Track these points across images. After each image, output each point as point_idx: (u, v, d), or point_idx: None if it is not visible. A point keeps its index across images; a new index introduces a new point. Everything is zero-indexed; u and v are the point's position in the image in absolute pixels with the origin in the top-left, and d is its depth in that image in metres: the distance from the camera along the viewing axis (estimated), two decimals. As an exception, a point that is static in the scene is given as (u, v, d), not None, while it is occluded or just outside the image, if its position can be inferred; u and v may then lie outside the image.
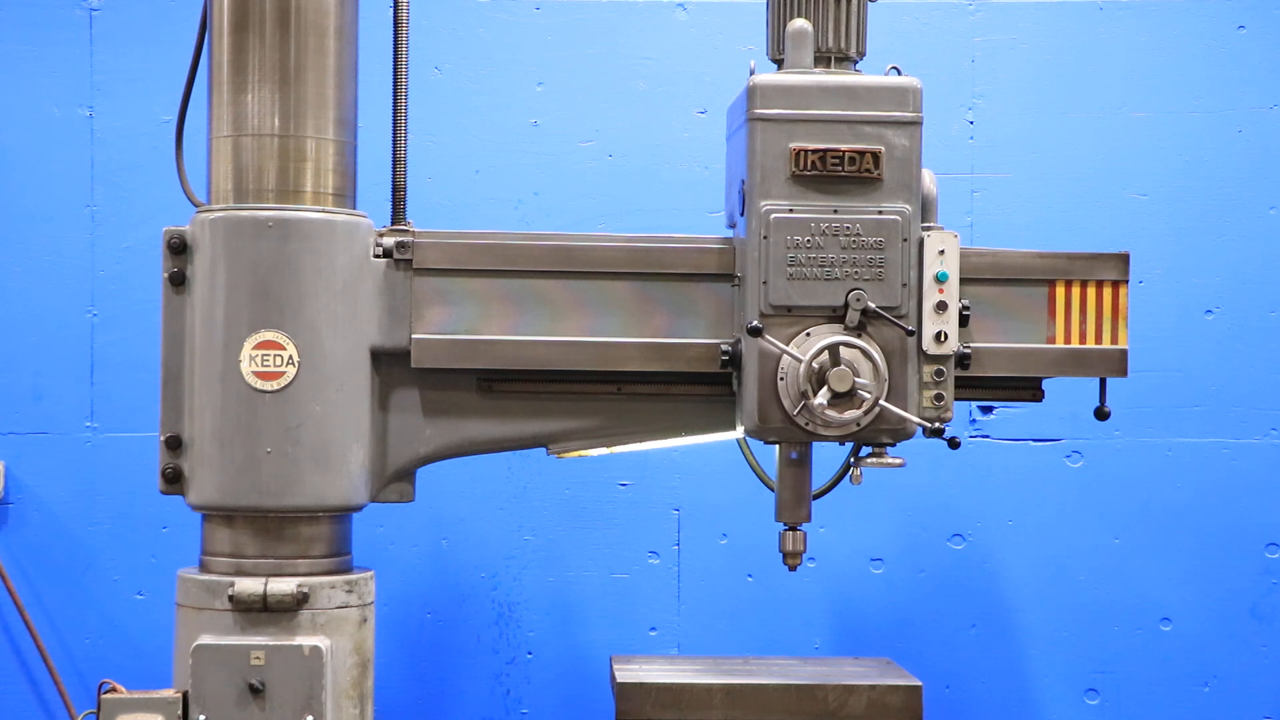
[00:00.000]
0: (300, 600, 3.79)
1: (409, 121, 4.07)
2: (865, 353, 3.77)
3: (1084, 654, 5.32)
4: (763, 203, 3.82)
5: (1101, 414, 4.03)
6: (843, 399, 3.76)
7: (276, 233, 3.82)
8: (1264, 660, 5.31)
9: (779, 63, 3.97)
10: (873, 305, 3.80)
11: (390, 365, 3.95)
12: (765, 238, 3.81)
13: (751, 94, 3.83)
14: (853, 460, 4.04)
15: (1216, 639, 5.32)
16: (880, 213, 3.83)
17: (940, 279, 3.85)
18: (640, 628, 5.28)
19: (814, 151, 3.81)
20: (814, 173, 3.82)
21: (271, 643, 3.77)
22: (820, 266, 3.82)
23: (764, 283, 3.81)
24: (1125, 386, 4.17)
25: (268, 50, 3.86)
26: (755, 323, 3.78)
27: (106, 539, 5.24)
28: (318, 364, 3.83)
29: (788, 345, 3.80)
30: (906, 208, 3.83)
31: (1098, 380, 4.02)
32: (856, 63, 3.98)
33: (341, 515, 3.95)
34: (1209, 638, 5.32)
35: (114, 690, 3.82)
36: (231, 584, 3.79)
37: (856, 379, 3.75)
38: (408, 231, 3.95)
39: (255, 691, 3.74)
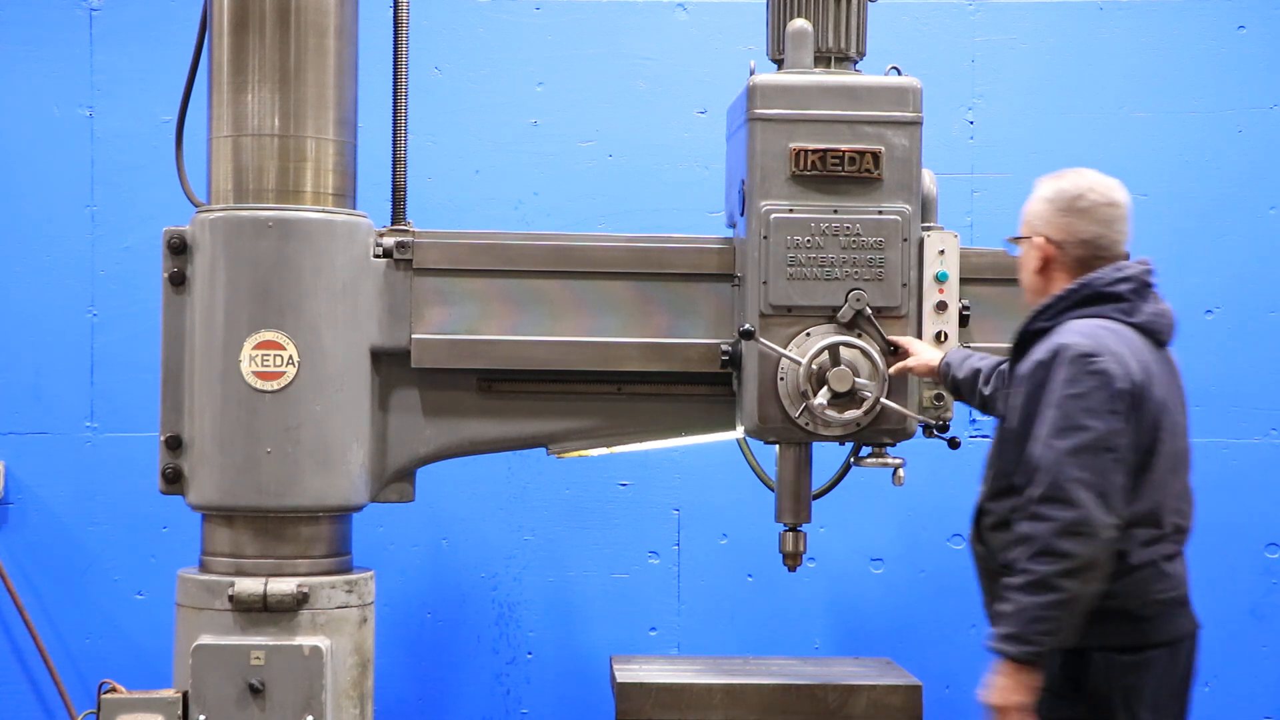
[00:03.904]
0: (300, 600, 3.79)
1: (409, 121, 4.08)
2: (865, 353, 3.77)
3: (1084, 654, 5.31)
4: (763, 203, 3.82)
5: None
6: (843, 399, 3.76)
7: (276, 233, 3.82)
8: (1264, 660, 5.31)
9: (779, 63, 3.97)
10: (868, 310, 3.80)
11: (390, 365, 3.95)
12: (765, 238, 3.81)
13: (751, 94, 3.83)
14: (853, 460, 4.05)
15: (1216, 639, 5.29)
16: (880, 213, 3.83)
17: (940, 279, 3.85)
18: (640, 628, 5.28)
19: (814, 151, 3.82)
20: (814, 173, 3.82)
21: (271, 643, 3.77)
22: (820, 266, 3.82)
23: (764, 283, 3.81)
24: (1125, 386, 4.16)
25: (268, 50, 3.86)
26: (747, 325, 3.77)
27: (106, 539, 5.24)
28: (318, 364, 3.83)
29: (788, 345, 3.80)
30: (906, 208, 3.83)
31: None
32: (856, 63, 3.99)
33: (341, 515, 3.95)
34: (1209, 638, 5.27)
35: (114, 690, 3.82)
36: (231, 584, 3.79)
37: (856, 379, 3.75)
38: (408, 231, 3.95)
39: (255, 691, 3.74)
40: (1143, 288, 3.41)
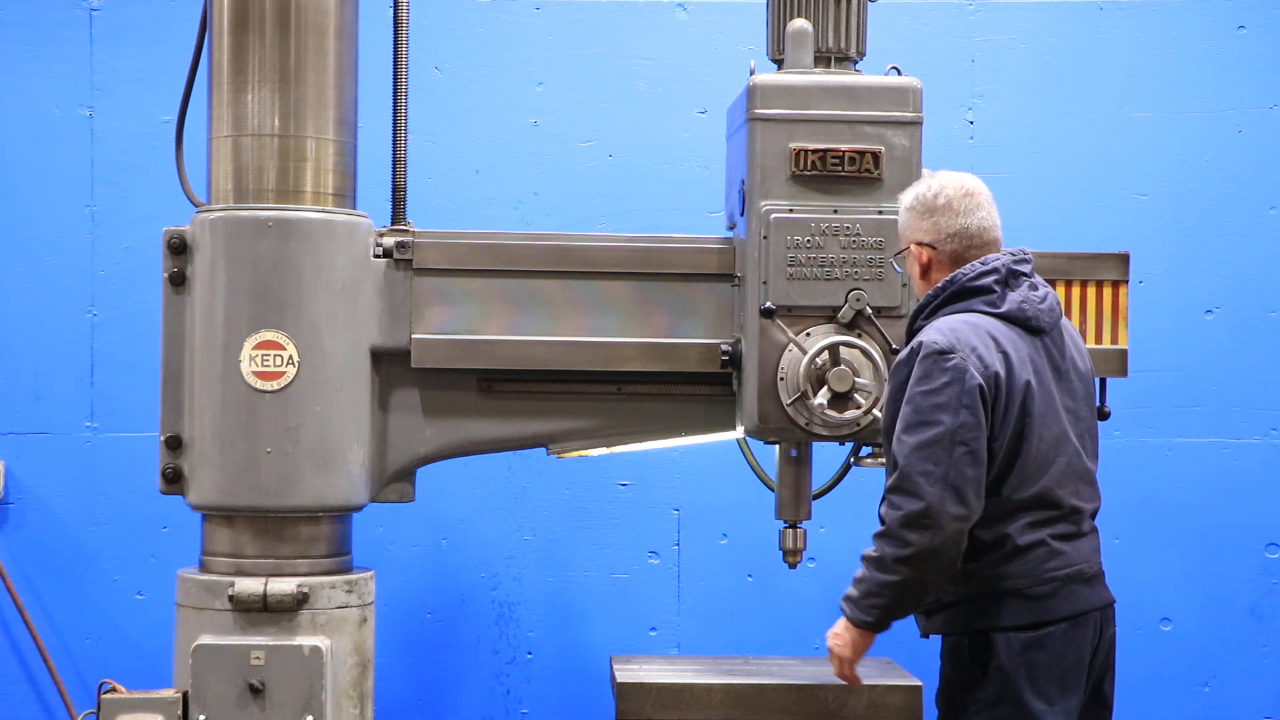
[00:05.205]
0: (300, 600, 3.79)
1: (409, 121, 4.07)
2: (865, 353, 3.77)
3: (1084, 654, 5.31)
4: (763, 203, 3.82)
5: (1101, 414, 4.02)
6: (842, 399, 3.76)
7: (276, 233, 3.82)
8: (1264, 660, 5.31)
9: (779, 63, 3.97)
10: (868, 310, 3.81)
11: (390, 365, 3.95)
12: (765, 238, 3.82)
13: (751, 94, 3.83)
14: (853, 460, 4.05)
15: (1216, 639, 5.31)
16: (880, 213, 3.83)
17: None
18: (640, 628, 5.28)
19: (814, 151, 3.82)
20: (814, 173, 3.82)
21: (271, 643, 3.77)
22: (820, 266, 3.82)
23: (764, 283, 3.81)
24: (1125, 386, 4.17)
25: (268, 50, 3.86)
26: (768, 304, 3.78)
27: (106, 539, 5.24)
28: (318, 364, 3.83)
29: (788, 345, 3.79)
30: (906, 208, 3.83)
31: (1098, 380, 4.02)
32: (856, 63, 3.99)
33: (341, 515, 3.95)
34: (1209, 638, 5.32)
35: (114, 690, 3.82)
36: (231, 584, 3.79)
37: (856, 379, 3.75)
38: (408, 231, 3.95)
39: (255, 691, 3.74)
40: (1011, 277, 3.51)
